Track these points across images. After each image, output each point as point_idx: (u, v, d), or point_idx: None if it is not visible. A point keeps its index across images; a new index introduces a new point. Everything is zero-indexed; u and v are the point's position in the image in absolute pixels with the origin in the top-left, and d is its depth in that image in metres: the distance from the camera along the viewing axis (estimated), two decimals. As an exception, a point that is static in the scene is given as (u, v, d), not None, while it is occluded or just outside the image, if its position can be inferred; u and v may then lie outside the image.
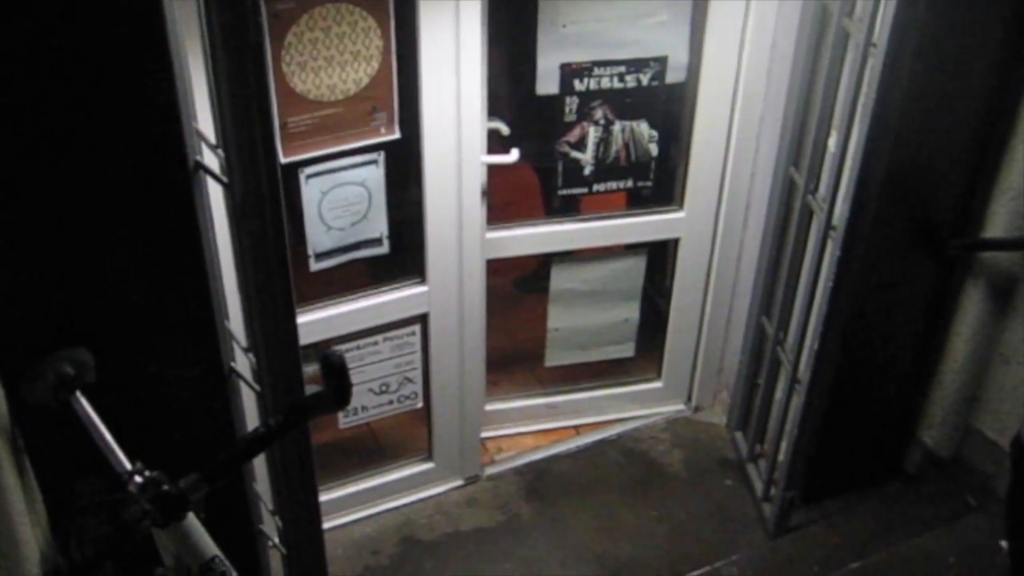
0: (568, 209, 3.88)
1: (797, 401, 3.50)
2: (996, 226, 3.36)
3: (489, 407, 4.14)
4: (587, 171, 3.76)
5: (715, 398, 4.35)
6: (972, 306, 3.53)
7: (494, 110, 3.45)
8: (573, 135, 3.68)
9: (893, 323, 3.55)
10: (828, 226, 3.21)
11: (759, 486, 3.89)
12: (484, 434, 4.10)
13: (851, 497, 3.84)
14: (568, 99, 3.60)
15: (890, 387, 3.74)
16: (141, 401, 2.40)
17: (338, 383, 2.01)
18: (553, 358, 4.25)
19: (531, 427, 4.29)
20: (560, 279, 4.04)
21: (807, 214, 3.40)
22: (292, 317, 2.31)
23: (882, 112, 2.87)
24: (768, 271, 3.71)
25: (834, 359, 3.34)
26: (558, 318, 4.14)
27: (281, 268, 2.22)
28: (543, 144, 3.70)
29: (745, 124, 3.66)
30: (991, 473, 3.68)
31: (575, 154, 3.72)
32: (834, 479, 3.81)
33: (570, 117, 3.64)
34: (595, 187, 3.80)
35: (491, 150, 3.45)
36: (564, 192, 3.82)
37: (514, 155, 3.47)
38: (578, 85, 3.57)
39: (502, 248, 3.75)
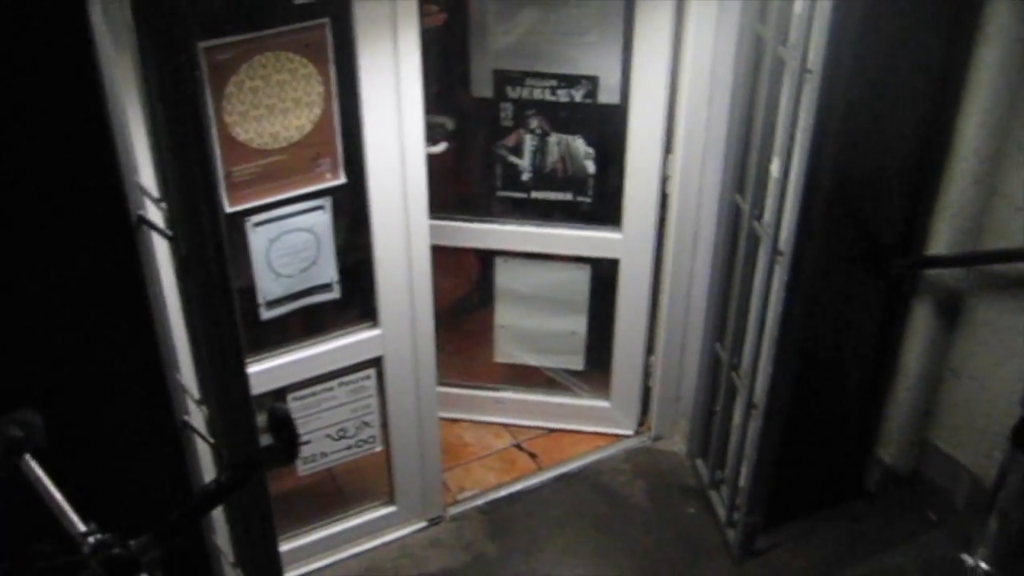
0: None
1: (755, 426, 3.51)
2: (939, 244, 3.41)
3: (440, 388, 4.05)
4: (525, 177, 3.87)
5: (674, 426, 4.36)
6: (920, 323, 3.58)
7: (436, 107, 3.60)
8: (510, 140, 3.81)
9: (845, 343, 3.59)
10: (775, 251, 3.24)
11: (722, 512, 3.90)
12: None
13: (814, 518, 3.87)
14: (503, 104, 3.74)
15: (846, 406, 3.78)
16: (94, 459, 2.38)
17: (285, 436, 2.00)
18: (502, 354, 4.33)
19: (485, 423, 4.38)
20: (504, 278, 4.14)
21: (754, 240, 3.43)
22: (243, 368, 2.30)
23: (820, 136, 2.91)
24: (719, 297, 3.74)
25: (788, 382, 3.36)
26: (504, 315, 4.23)
27: (229, 320, 2.21)
28: (483, 143, 3.90)
29: (689, 151, 3.69)
30: (949, 488, 3.72)
31: (512, 158, 3.85)
32: (796, 501, 3.83)
33: (507, 122, 3.78)
34: (533, 193, 3.91)
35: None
36: (503, 194, 3.93)
37: (441, 146, 3.64)
38: (511, 92, 3.71)
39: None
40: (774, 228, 3.22)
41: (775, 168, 3.23)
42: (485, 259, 4.18)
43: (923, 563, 3.48)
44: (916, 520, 3.74)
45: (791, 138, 3.08)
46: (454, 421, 4.36)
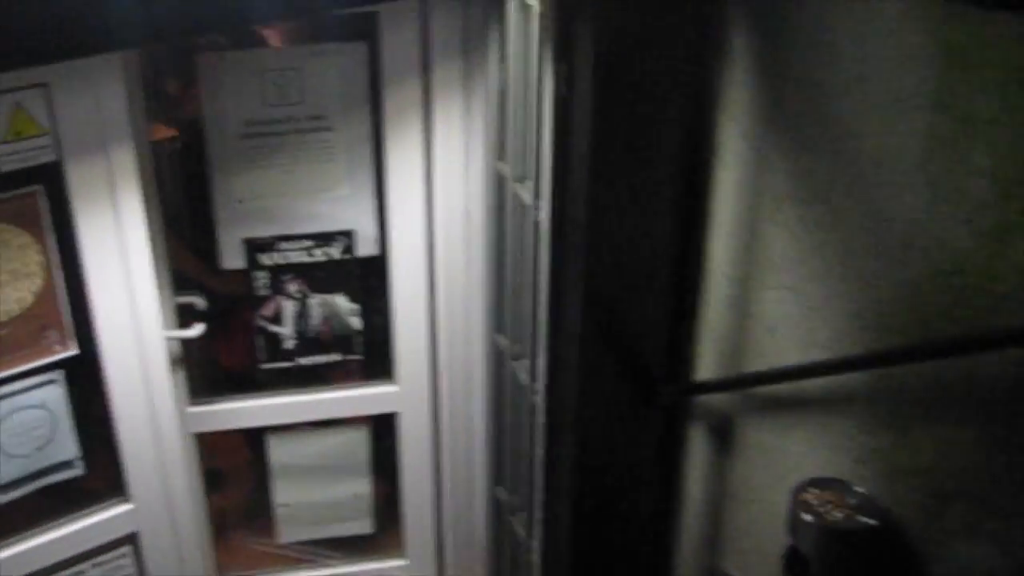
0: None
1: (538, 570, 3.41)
2: (706, 368, 3.39)
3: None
4: (288, 345, 3.68)
5: (471, 573, 4.21)
6: (697, 449, 3.54)
7: (186, 284, 3.40)
8: (269, 309, 3.62)
9: (626, 477, 3.53)
10: (538, 393, 3.17)
11: (521, 658, 3.76)
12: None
13: (617, 657, 3.74)
14: (258, 273, 3.55)
15: (637, 540, 3.70)
16: None
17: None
18: (287, 534, 4.08)
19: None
20: (279, 453, 3.90)
21: (519, 380, 3.36)
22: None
23: (563, 273, 2.88)
24: (495, 441, 3.66)
25: (564, 524, 3.28)
26: (284, 493, 3.99)
27: None
28: (239, 318, 3.67)
29: (450, 295, 3.61)
30: (743, 614, 3.65)
31: (273, 328, 3.65)
32: (596, 641, 3.71)
33: (263, 291, 3.59)
34: (300, 360, 3.72)
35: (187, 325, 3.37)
36: (267, 367, 3.72)
37: (198, 329, 3.37)
38: (265, 259, 3.53)
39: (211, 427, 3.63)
40: (536, 368, 3.15)
41: (532, 305, 3.18)
42: (257, 437, 3.92)
43: None
44: (715, 650, 3.66)
45: (545, 275, 3.04)
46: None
